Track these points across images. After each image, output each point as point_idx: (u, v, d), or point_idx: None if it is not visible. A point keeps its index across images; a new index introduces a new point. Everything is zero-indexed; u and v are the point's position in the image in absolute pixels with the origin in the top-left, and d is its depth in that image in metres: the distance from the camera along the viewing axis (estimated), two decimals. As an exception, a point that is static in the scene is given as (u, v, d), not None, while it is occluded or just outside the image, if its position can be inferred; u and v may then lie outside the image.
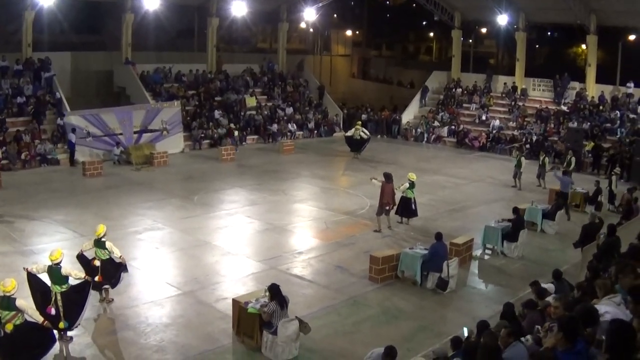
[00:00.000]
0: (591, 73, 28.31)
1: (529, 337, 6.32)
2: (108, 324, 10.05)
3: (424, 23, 41.40)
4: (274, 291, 9.07)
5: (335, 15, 41.10)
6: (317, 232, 15.53)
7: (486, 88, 31.72)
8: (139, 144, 23.76)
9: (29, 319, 8.21)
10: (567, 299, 6.62)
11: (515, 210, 14.47)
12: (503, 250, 13.94)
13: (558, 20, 29.57)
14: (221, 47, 32.57)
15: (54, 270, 9.11)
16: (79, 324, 9.34)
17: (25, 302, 8.34)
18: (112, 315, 10.34)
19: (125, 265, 10.68)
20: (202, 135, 26.58)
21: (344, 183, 21.58)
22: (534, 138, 26.98)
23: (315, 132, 30.85)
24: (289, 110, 30.77)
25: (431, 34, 43.84)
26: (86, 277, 9.45)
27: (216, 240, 14.57)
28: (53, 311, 8.90)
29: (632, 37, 28.52)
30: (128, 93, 27.30)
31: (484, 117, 30.06)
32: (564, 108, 28.32)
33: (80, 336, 9.42)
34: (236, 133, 26.35)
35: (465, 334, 7.50)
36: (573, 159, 21.47)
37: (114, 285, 10.56)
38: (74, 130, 22.28)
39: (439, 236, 12.05)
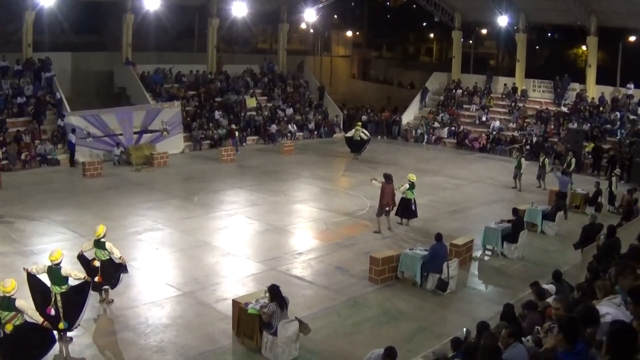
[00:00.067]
0: (591, 74, 28.32)
1: (529, 337, 6.31)
2: (108, 325, 10.04)
3: (424, 24, 41.48)
4: (274, 292, 9.07)
5: (335, 16, 41.12)
6: (317, 233, 15.53)
7: (486, 89, 31.72)
8: (139, 145, 23.77)
9: (28, 319, 8.21)
10: (567, 300, 6.62)
11: (515, 211, 14.48)
12: (503, 251, 13.94)
13: (558, 21, 29.57)
14: (221, 48, 32.56)
15: (54, 271, 9.11)
16: (79, 325, 9.34)
17: (25, 302, 8.35)
18: (112, 315, 10.33)
19: (125, 266, 10.68)
20: (202, 135, 26.59)
21: (344, 184, 21.58)
22: (534, 139, 27.00)
23: (316, 132, 30.87)
24: (289, 111, 30.78)
25: (431, 35, 43.90)
26: (86, 277, 9.45)
27: (216, 241, 14.57)
28: (53, 312, 8.90)
29: (632, 38, 28.56)
30: (128, 93, 27.31)
31: (484, 118, 30.07)
32: (564, 109, 28.33)
33: (80, 337, 9.41)
34: (237, 134, 26.35)
35: (470, 335, 7.51)
36: (573, 160, 21.47)
37: (113, 286, 10.55)
38: (74, 131, 22.29)
39: (439, 237, 12.05)
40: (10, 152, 21.22)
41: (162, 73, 28.41)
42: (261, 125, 28.86)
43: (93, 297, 9.94)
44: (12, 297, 8.03)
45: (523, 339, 6.16)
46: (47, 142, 22.43)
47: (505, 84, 31.20)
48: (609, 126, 26.10)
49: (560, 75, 29.07)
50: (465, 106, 31.53)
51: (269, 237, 15.00)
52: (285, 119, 30.13)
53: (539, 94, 30.11)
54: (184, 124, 25.93)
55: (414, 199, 15.87)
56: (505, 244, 13.91)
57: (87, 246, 10.65)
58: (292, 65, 34.48)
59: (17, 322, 8.05)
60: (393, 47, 47.42)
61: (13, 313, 8.01)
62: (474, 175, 23.08)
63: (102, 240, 10.40)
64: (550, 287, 8.85)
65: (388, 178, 15.31)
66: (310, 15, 31.61)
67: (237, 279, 12.20)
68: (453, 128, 30.13)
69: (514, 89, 30.52)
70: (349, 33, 45.17)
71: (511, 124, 29.21)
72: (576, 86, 28.80)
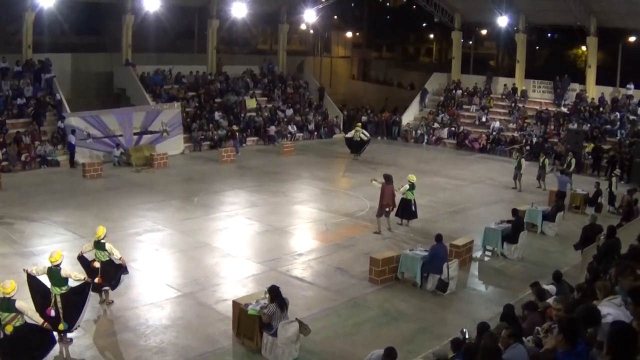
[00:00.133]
0: (591, 75, 28.33)
1: (529, 338, 6.31)
2: (108, 326, 10.04)
3: (424, 25, 41.45)
4: (274, 293, 9.06)
5: (335, 17, 41.12)
6: (317, 233, 15.52)
7: (486, 90, 31.73)
8: (139, 146, 23.77)
9: (28, 320, 8.20)
10: (568, 301, 6.61)
11: (515, 211, 14.47)
12: (503, 252, 13.94)
13: (558, 21, 29.56)
14: (221, 49, 32.55)
15: (54, 272, 9.10)
16: (79, 326, 9.32)
17: (25, 303, 8.34)
18: (112, 316, 10.33)
19: (126, 267, 10.67)
20: (202, 136, 26.59)
21: (344, 185, 21.58)
22: (534, 140, 27.00)
23: (316, 133, 30.87)
24: (289, 111, 30.79)
25: (431, 36, 43.89)
26: (86, 278, 9.45)
27: (216, 241, 14.56)
28: (53, 313, 8.90)
29: (632, 39, 28.54)
30: (128, 94, 27.31)
31: (484, 119, 30.07)
32: (564, 110, 28.32)
33: (80, 338, 9.41)
34: (237, 135, 26.34)
35: (466, 335, 7.50)
36: (573, 161, 21.46)
37: (114, 287, 10.55)
38: (73, 132, 22.29)
39: (439, 238, 12.06)
40: (10, 153, 21.22)
41: (162, 74, 28.41)
42: (261, 126, 28.86)
43: (93, 298, 9.94)
44: (12, 298, 8.02)
45: (523, 339, 6.15)
46: (47, 143, 22.44)
47: (505, 85, 31.21)
48: (608, 127, 26.10)
49: (560, 76, 29.07)
50: (465, 107, 31.53)
51: (269, 238, 14.99)
52: (285, 119, 30.14)
53: (539, 95, 30.12)
54: (183, 125, 25.92)
55: (414, 199, 15.87)
56: (505, 244, 13.91)
57: (87, 247, 10.65)
58: (292, 66, 34.48)
59: (17, 324, 8.05)
60: (393, 48, 47.42)
61: (13, 314, 8.00)
62: (474, 175, 23.08)
63: (103, 241, 10.40)
64: (551, 288, 8.85)
65: (388, 179, 15.30)
66: (310, 16, 31.61)
67: (237, 280, 12.20)
68: (453, 129, 30.12)
69: (514, 90, 30.52)
70: (349, 34, 45.17)
71: (511, 124, 29.21)
72: (576, 87, 28.81)
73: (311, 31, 39.78)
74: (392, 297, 11.53)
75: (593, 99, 27.94)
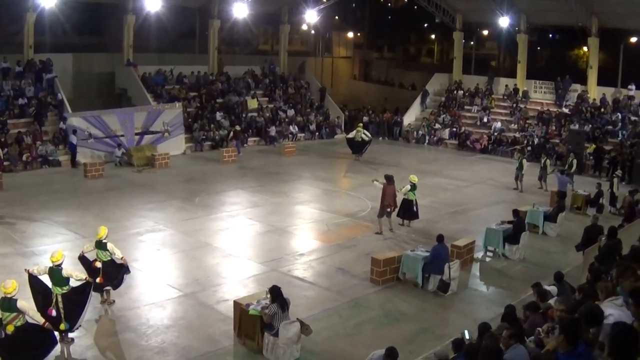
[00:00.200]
0: (592, 75, 28.31)
1: (531, 339, 6.31)
2: (109, 326, 10.05)
3: (426, 25, 41.46)
4: (275, 293, 9.06)
5: (336, 17, 41.15)
6: (319, 234, 15.52)
7: (487, 90, 31.71)
8: (140, 146, 23.78)
9: (30, 320, 8.21)
10: (570, 302, 6.61)
11: (516, 212, 14.47)
12: (504, 253, 13.93)
13: (559, 22, 29.56)
14: (222, 49, 32.59)
15: (55, 272, 9.11)
16: (80, 326, 9.34)
17: (27, 303, 8.35)
18: (113, 316, 10.33)
19: (127, 267, 10.68)
20: (204, 137, 26.60)
21: (345, 185, 21.58)
22: (536, 140, 26.98)
23: (317, 134, 30.86)
24: (291, 112, 30.79)
25: (432, 36, 43.90)
26: (87, 278, 9.46)
27: (217, 242, 14.57)
28: (54, 313, 8.90)
29: (633, 40, 28.56)
30: (129, 95, 27.32)
31: (485, 119, 30.06)
32: (566, 110, 28.32)
33: (81, 338, 9.42)
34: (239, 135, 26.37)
35: (467, 337, 7.49)
36: (574, 161, 21.45)
37: (116, 287, 10.56)
38: (75, 132, 22.31)
39: (440, 238, 12.06)
40: (11, 153, 21.23)
41: (163, 74, 28.42)
42: (262, 126, 28.87)
43: (94, 298, 9.95)
44: (14, 298, 8.03)
45: (525, 340, 6.15)
46: (48, 143, 22.45)
47: (506, 85, 31.19)
48: (610, 127, 26.08)
49: (562, 77, 29.07)
50: (466, 107, 31.52)
51: (271, 238, 15.00)
52: (287, 120, 30.14)
53: (540, 95, 30.11)
54: (185, 125, 25.93)
55: (416, 200, 15.86)
56: (506, 245, 13.90)
57: (88, 247, 10.65)
58: (293, 66, 34.49)
59: (19, 323, 8.06)
60: (394, 48, 47.43)
61: (14, 314, 8.02)
62: (476, 176, 23.07)
63: (104, 241, 10.41)
64: (552, 289, 8.85)
65: (389, 179, 15.29)
66: (311, 17, 31.63)
67: (238, 280, 12.20)
68: (454, 129, 30.11)
69: (515, 90, 30.51)
70: (350, 34, 45.18)
71: (512, 125, 29.19)
72: (577, 87, 28.80)
73: (312, 31, 39.81)
74: (393, 297, 11.53)
75: (594, 99, 27.93)
